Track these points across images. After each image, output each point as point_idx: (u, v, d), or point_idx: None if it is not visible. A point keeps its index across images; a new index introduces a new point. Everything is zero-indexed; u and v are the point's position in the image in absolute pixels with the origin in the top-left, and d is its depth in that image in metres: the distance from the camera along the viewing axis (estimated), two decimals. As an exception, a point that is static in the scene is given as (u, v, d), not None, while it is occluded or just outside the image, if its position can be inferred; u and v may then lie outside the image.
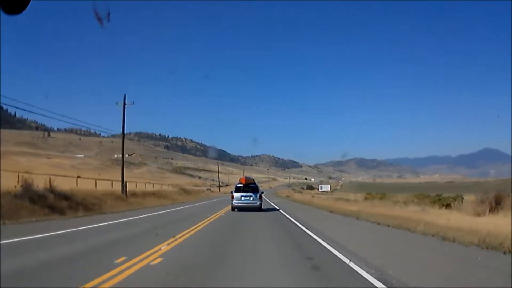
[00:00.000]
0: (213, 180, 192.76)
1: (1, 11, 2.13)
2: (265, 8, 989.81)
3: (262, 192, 24.81)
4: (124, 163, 31.49)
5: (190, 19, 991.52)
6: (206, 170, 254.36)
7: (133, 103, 31.86)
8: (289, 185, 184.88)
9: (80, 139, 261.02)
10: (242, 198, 22.28)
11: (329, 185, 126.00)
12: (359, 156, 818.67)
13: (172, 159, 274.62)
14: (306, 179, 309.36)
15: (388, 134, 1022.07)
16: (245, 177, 25.22)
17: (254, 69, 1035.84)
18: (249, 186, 22.93)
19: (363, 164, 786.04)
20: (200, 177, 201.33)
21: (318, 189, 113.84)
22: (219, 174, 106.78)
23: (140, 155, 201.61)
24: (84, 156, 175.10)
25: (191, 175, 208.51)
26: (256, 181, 25.52)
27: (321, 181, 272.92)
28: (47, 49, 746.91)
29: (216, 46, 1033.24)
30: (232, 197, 22.63)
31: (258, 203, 22.47)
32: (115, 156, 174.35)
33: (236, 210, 22.06)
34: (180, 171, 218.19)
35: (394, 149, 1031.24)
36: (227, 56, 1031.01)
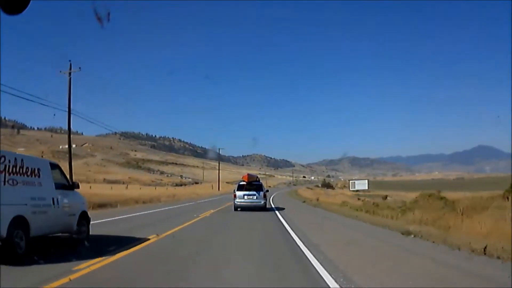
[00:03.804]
0: (181, 176, 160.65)
1: (1, 11, 2.09)
2: (263, 8, 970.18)
3: (267, 191, 23.43)
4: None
5: (188, 19, 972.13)
6: (177, 164, 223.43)
7: (80, 69, 27.63)
8: (293, 183, 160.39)
9: (51, 136, 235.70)
10: (245, 197, 21.43)
11: (366, 181, 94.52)
12: (352, 154, 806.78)
13: (135, 151, 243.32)
14: (304, 177, 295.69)
15: (381, 133, 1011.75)
16: (248, 174, 22.94)
17: (245, 70, 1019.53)
18: (253, 184, 21.93)
19: (356, 162, 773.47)
20: (162, 172, 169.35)
21: (349, 187, 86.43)
22: (200, 170, 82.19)
23: (92, 145, 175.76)
24: (24, 149, 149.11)
25: (150, 170, 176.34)
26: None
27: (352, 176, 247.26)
28: (46, 49, 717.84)
29: (215, 46, 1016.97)
30: (235, 196, 21.62)
31: (262, 202, 21.50)
32: (61, 147, 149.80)
33: (239, 209, 21.08)
34: (136, 164, 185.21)
35: (387, 147, 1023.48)
36: (223, 56, 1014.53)
